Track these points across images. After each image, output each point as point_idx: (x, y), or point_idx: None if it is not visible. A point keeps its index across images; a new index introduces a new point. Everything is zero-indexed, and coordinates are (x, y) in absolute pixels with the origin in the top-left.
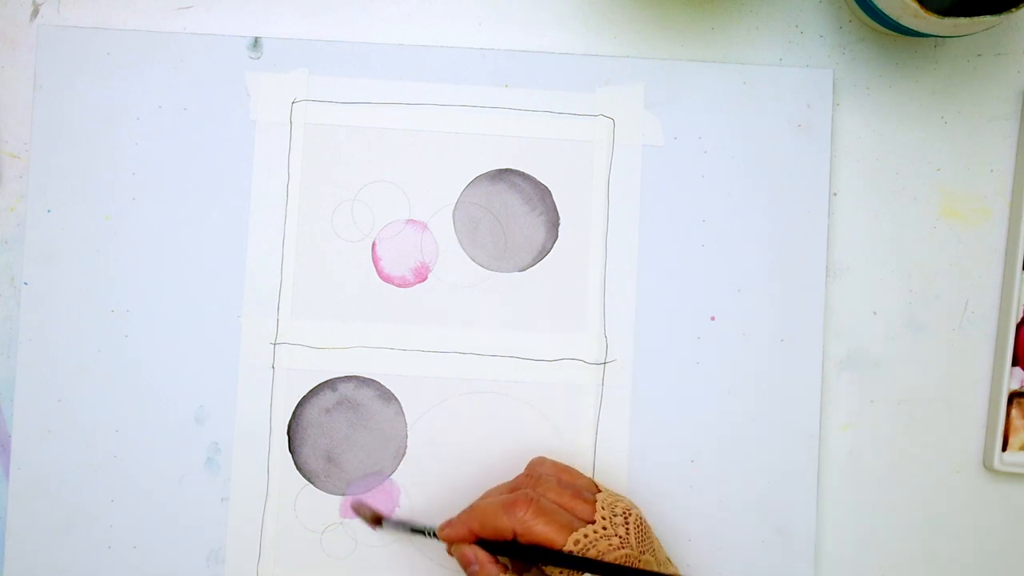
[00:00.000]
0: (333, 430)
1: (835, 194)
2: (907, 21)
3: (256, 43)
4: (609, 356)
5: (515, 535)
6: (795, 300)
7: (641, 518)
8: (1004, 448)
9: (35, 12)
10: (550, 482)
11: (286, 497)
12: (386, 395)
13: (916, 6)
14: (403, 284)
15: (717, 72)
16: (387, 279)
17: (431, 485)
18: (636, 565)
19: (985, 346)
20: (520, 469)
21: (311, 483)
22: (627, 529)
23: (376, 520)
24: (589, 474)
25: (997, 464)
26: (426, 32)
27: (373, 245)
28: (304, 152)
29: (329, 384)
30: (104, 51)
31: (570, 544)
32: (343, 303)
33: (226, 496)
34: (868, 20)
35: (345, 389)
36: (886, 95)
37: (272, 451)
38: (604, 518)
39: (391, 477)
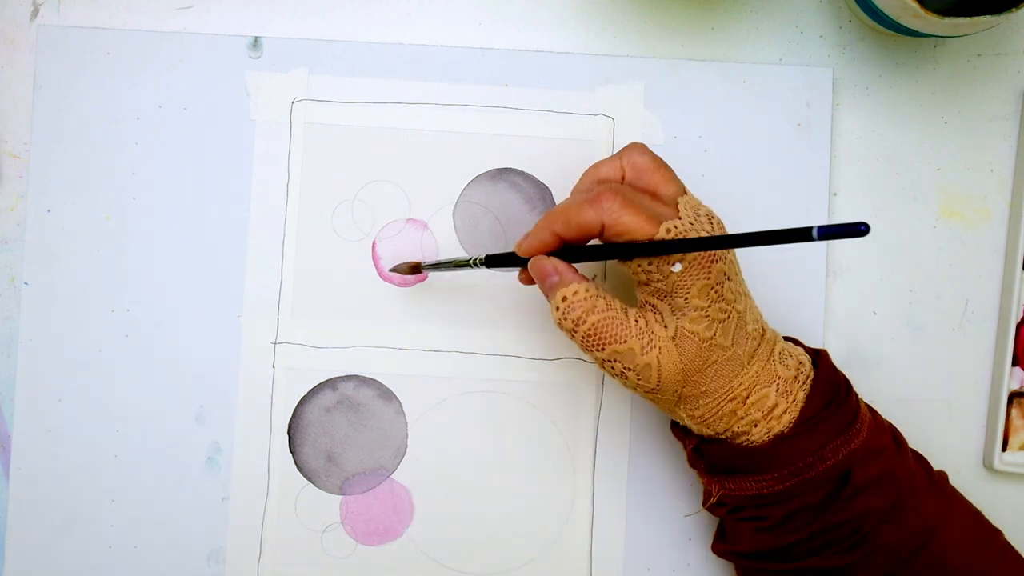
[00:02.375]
0: (334, 429)
1: (835, 194)
2: (907, 21)
3: (256, 43)
4: None
5: (603, 228)
6: (795, 300)
7: (722, 224)
8: (1004, 448)
9: (35, 12)
10: (627, 188)
11: (286, 497)
12: (386, 394)
13: (916, 6)
14: (403, 284)
15: (717, 71)
16: (387, 279)
17: (432, 484)
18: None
19: (985, 346)
20: (520, 470)
21: (311, 482)
22: (712, 229)
23: (414, 269)
24: (589, 472)
25: (997, 464)
26: (426, 32)
27: (373, 245)
28: (304, 152)
29: (329, 383)
30: (104, 51)
31: (662, 232)
32: (343, 303)
33: (226, 496)
34: (868, 20)
35: (345, 388)
36: (886, 95)
37: (272, 451)
38: (688, 214)
39: (392, 476)
